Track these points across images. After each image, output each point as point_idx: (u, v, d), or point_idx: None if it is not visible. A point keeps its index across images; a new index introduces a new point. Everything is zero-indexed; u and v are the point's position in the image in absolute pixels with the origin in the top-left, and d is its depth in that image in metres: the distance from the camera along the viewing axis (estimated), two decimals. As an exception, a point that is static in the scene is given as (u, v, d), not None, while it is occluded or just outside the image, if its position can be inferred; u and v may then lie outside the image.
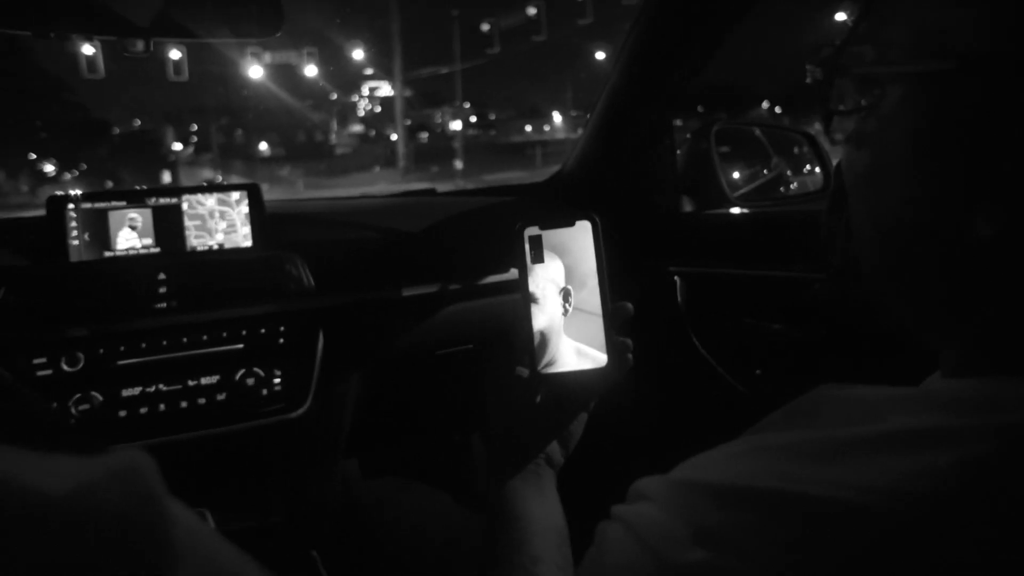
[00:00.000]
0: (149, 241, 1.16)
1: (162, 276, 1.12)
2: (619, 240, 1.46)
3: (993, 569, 0.30)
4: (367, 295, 1.25)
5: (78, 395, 1.04)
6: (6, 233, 1.16)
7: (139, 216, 1.15)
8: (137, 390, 1.08)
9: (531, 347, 0.69)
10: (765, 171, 1.89)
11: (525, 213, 0.73)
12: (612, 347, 0.68)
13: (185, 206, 1.18)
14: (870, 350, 1.02)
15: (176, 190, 1.18)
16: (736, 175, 1.87)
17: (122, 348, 1.07)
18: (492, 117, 36.27)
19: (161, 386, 1.09)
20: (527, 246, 0.71)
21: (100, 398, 1.05)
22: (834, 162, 0.52)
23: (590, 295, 0.69)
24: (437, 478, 1.27)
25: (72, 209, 1.11)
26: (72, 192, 1.12)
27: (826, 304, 1.09)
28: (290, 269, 1.18)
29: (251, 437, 1.14)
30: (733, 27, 1.29)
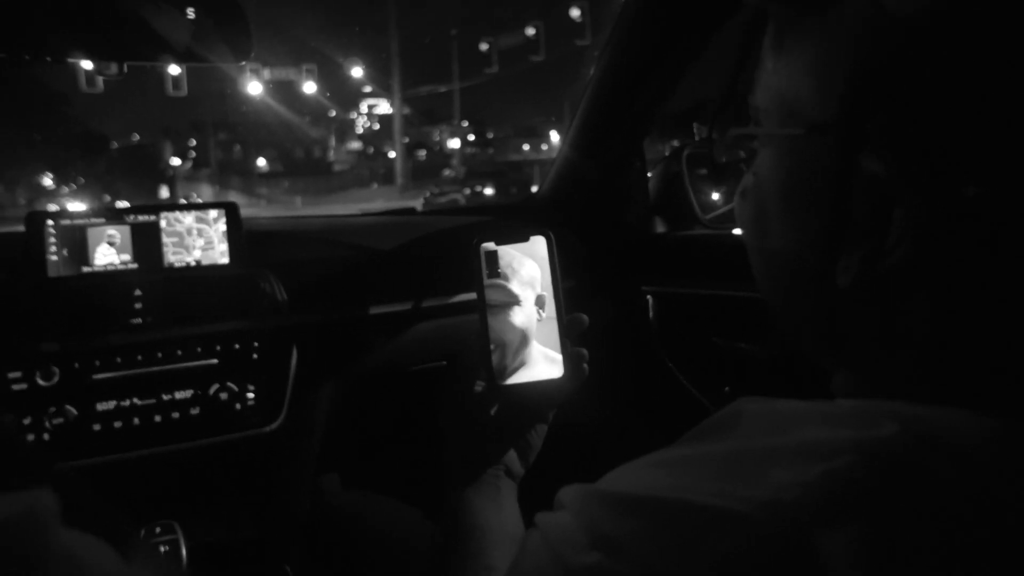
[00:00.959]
0: (127, 257, 1.18)
1: (138, 292, 1.14)
2: (588, 258, 1.48)
3: (851, 572, 0.32)
4: (340, 313, 1.27)
5: (53, 409, 1.05)
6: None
7: (117, 232, 1.18)
8: (112, 404, 1.09)
9: (487, 360, 0.72)
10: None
11: (482, 229, 0.76)
12: (567, 357, 0.71)
13: (163, 223, 1.20)
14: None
15: (154, 207, 1.20)
16: (715, 196, 1.90)
17: (97, 363, 1.09)
18: (490, 136, 36.49)
19: (136, 400, 1.11)
20: (483, 261, 0.73)
21: (75, 412, 1.07)
22: None
23: (550, 308, 0.72)
24: (410, 493, 1.28)
25: (51, 225, 1.14)
26: (51, 208, 1.14)
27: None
28: (265, 287, 1.20)
29: (224, 451, 1.15)
30: (701, 53, 1.32)
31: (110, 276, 1.16)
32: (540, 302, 0.72)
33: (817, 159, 0.40)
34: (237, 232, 1.24)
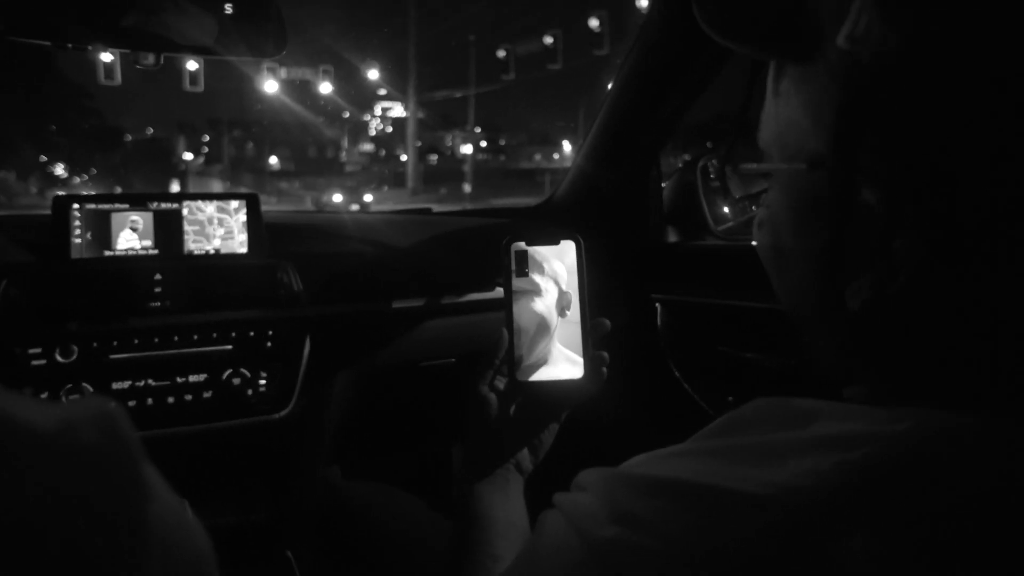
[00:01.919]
0: (149, 243, 1.21)
1: (158, 276, 1.16)
2: (605, 264, 1.51)
3: (860, 562, 0.34)
4: (355, 306, 1.30)
5: (69, 385, 1.08)
6: (13, 230, 1.21)
7: (140, 219, 1.20)
8: (127, 384, 1.12)
9: (511, 357, 0.74)
10: (754, 207, 1.94)
11: (513, 229, 0.79)
12: (589, 360, 0.73)
13: (185, 211, 1.23)
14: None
15: (177, 196, 1.23)
16: (727, 209, 1.91)
17: (115, 343, 1.11)
18: (503, 143, 36.52)
19: (150, 381, 1.13)
20: (512, 259, 0.75)
21: (91, 390, 1.09)
22: None
23: (575, 310, 0.74)
24: (416, 486, 1.30)
25: (76, 209, 1.16)
26: (77, 193, 1.17)
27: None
28: (282, 277, 1.23)
29: (235, 435, 1.18)
30: (721, 68, 1.35)
31: (131, 260, 1.19)
32: (564, 302, 0.75)
33: (818, 192, 0.43)
34: (257, 223, 1.26)
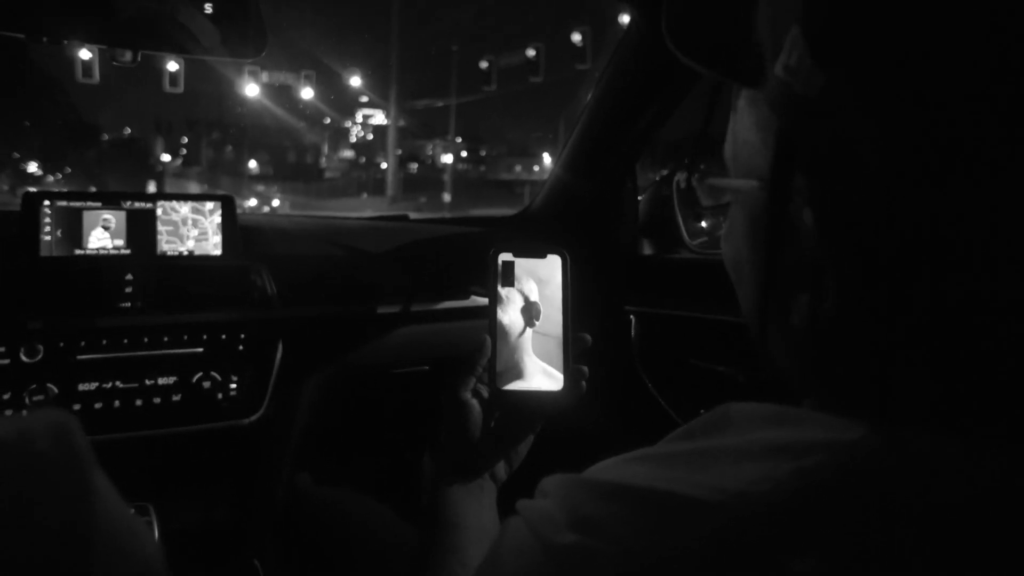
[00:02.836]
0: (121, 242, 1.19)
1: (129, 276, 1.15)
2: (581, 275, 1.51)
3: (809, 570, 0.34)
4: (329, 310, 1.29)
5: (34, 386, 1.06)
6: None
7: (113, 217, 1.19)
8: (94, 385, 1.10)
9: (493, 365, 0.74)
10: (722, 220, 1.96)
11: (499, 240, 0.80)
12: (569, 373, 0.74)
13: (159, 212, 1.21)
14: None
15: (152, 196, 1.22)
16: (703, 223, 1.94)
17: (82, 343, 1.09)
18: (483, 153, 36.63)
19: (118, 383, 1.11)
20: (499, 270, 0.76)
21: (56, 391, 1.07)
22: None
23: (554, 323, 0.75)
24: (386, 493, 1.29)
25: (47, 206, 1.15)
26: (48, 190, 1.16)
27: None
28: (255, 279, 1.22)
29: (203, 439, 1.16)
30: (697, 83, 1.36)
31: (102, 259, 1.17)
32: (534, 312, 0.75)
33: (768, 208, 0.44)
34: (232, 225, 1.25)
